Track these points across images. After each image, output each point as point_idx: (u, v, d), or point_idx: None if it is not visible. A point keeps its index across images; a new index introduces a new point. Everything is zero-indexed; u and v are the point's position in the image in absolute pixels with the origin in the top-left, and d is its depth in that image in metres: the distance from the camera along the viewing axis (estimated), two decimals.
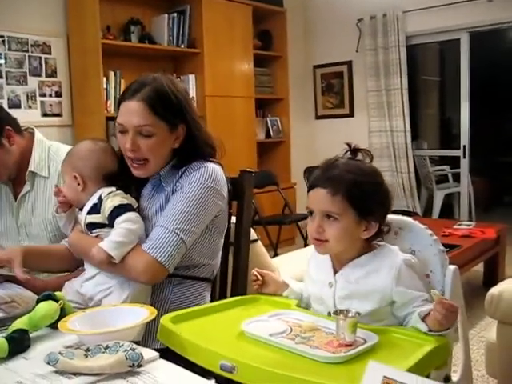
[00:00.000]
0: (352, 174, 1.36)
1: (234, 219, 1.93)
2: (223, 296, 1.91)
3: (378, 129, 7.13)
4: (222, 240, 1.85)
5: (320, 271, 1.48)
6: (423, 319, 1.28)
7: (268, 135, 7.35)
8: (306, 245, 5.94)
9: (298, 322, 1.33)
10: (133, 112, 1.66)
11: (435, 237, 1.52)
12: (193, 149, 1.74)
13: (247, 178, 1.91)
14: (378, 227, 1.41)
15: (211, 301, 1.83)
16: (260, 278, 1.55)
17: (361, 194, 1.36)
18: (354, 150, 1.44)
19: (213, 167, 1.72)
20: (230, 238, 1.93)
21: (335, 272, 1.44)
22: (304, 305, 1.56)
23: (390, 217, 1.52)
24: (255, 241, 2.36)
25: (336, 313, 1.21)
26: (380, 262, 1.38)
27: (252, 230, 2.09)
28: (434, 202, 7.54)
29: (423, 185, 7.85)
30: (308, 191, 1.42)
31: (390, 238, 1.55)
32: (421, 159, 7.69)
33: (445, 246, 1.55)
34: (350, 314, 1.21)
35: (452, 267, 1.49)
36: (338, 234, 1.36)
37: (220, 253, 1.87)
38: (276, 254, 5.67)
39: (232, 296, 1.79)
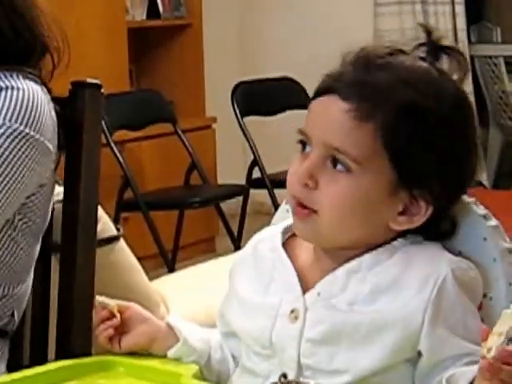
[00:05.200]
0: (412, 90, 1.06)
1: (60, 192, 1.53)
2: (40, 357, 1.50)
3: None
4: (38, 246, 1.49)
5: (265, 284, 1.15)
6: None
7: (153, 13, 4.73)
8: (238, 248, 3.98)
9: None
10: None
11: (493, 222, 1.15)
12: None
13: (88, 98, 1.49)
14: (431, 215, 1.07)
15: (10, 368, 1.47)
16: (116, 314, 1.20)
17: (417, 134, 1.06)
18: (436, 48, 1.12)
19: (28, 90, 1.40)
20: (54, 237, 1.54)
21: (304, 288, 1.11)
22: (214, 375, 1.21)
23: None
24: (112, 240, 1.82)
25: None
26: (404, 265, 1.08)
27: (107, 219, 1.78)
28: None
29: (493, 121, 5.32)
30: (312, 98, 1.12)
31: None
32: (488, 65, 5.21)
33: None
34: None
35: None
36: (345, 202, 1.07)
37: (31, 272, 1.51)
38: (172, 269, 3.87)
39: (58, 358, 1.40)
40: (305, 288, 1.13)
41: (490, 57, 5.25)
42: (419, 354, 1.07)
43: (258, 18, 5.31)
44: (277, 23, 5.14)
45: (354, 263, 1.11)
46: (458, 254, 1.16)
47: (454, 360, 1.05)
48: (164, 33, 4.82)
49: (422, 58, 1.14)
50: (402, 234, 1.13)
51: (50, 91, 1.48)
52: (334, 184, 1.08)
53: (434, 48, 1.15)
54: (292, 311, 1.13)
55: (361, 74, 1.10)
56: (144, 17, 4.68)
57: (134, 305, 1.29)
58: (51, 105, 1.46)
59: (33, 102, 1.43)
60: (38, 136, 1.41)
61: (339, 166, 1.08)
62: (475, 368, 0.98)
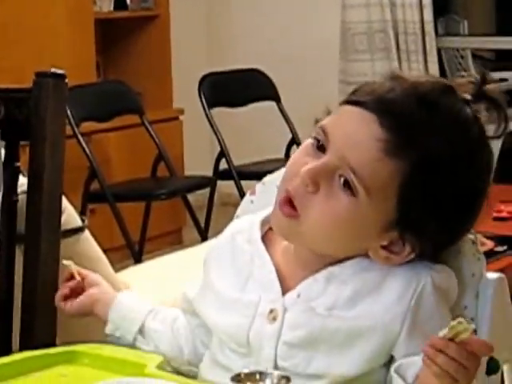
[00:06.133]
0: (449, 144, 1.02)
1: (24, 183, 1.53)
2: (5, 348, 1.50)
3: None
4: None
5: (243, 280, 1.13)
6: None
7: (121, 4, 4.72)
8: (205, 239, 4.05)
9: None
10: None
11: None
12: None
13: (52, 88, 1.49)
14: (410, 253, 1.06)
15: None
16: (76, 277, 1.25)
17: (437, 189, 1.04)
18: (483, 95, 1.06)
19: None
20: (18, 227, 1.53)
21: (284, 287, 1.10)
22: (179, 363, 1.21)
23: None
24: (77, 231, 1.79)
25: (239, 379, 0.96)
26: (385, 271, 1.07)
27: (72, 209, 1.75)
28: None
29: None
30: (350, 100, 1.06)
31: None
32: (455, 57, 5.30)
33: (499, 239, 1.52)
34: (267, 381, 0.96)
35: (494, 276, 1.19)
36: (335, 223, 1.04)
37: None
38: (138, 261, 3.83)
39: (22, 349, 1.43)
40: (284, 287, 1.12)
41: (458, 49, 5.20)
42: (392, 357, 1.07)
43: (225, 9, 5.27)
44: (244, 14, 5.09)
45: (335, 268, 1.10)
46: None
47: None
48: (131, 24, 4.76)
49: (466, 101, 1.10)
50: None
51: None
52: (333, 200, 1.05)
53: (482, 95, 1.11)
54: (271, 311, 1.12)
55: (408, 108, 1.06)
56: (111, 8, 4.63)
57: (94, 273, 1.31)
58: None
59: None
60: None
61: (346, 188, 1.05)
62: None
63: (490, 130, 1.14)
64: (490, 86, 1.10)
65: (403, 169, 1.03)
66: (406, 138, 1.03)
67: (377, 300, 1.08)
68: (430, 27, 4.72)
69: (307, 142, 1.08)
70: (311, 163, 1.04)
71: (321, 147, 1.05)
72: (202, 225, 4.04)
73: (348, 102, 1.07)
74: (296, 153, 1.10)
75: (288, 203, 1.06)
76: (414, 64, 4.78)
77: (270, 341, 1.11)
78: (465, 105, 1.08)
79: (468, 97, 1.08)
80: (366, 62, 4.76)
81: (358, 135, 1.04)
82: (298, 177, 1.04)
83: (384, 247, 1.07)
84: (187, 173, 4.44)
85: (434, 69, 4.76)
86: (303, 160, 1.06)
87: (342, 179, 1.03)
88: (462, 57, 5.22)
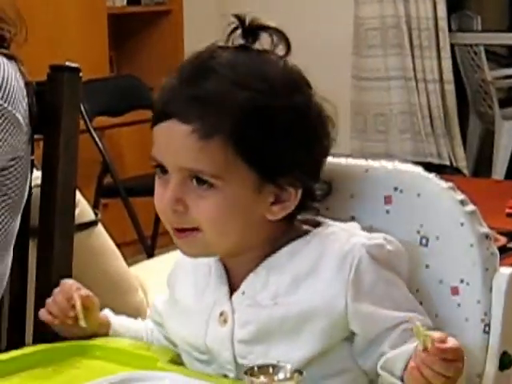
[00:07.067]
0: (246, 91, 1.05)
1: (38, 177, 1.52)
2: (18, 342, 1.49)
3: None
4: (17, 223, 1.46)
5: (201, 289, 1.15)
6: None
7: None
8: None
9: None
10: None
11: (470, 208, 1.16)
12: None
13: (66, 81, 1.49)
14: (303, 193, 1.09)
15: None
16: (78, 306, 1.19)
17: (265, 132, 1.06)
18: (251, 29, 1.10)
19: None
20: (32, 221, 1.53)
21: (232, 290, 1.12)
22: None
23: (372, 164, 1.22)
24: (90, 225, 1.82)
25: (251, 373, 0.96)
26: (319, 251, 1.08)
27: (85, 203, 1.78)
28: (496, 145, 4.91)
29: (473, 109, 5.13)
30: (153, 124, 1.10)
31: (378, 211, 1.20)
32: (468, 53, 5.05)
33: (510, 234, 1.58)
34: (280, 375, 0.97)
35: (507, 271, 1.15)
36: (218, 214, 1.06)
37: (11, 250, 1.47)
38: (151, 256, 3.91)
39: (36, 342, 1.39)
40: (233, 287, 1.14)
41: (471, 45, 5.13)
42: (353, 333, 1.08)
43: (238, 3, 5.27)
44: (258, 9, 5.02)
45: (272, 259, 1.12)
46: (436, 239, 1.18)
47: (388, 331, 1.07)
48: (144, 19, 4.80)
49: (243, 47, 1.12)
50: (289, 219, 1.12)
51: (19, 67, 1.47)
52: (202, 201, 1.08)
53: (249, 30, 1.13)
54: (221, 314, 1.13)
55: (190, 90, 1.09)
56: (124, 3, 4.65)
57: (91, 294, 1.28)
58: (21, 80, 1.45)
59: (4, 77, 1.41)
60: (7, 106, 1.39)
61: (204, 185, 1.08)
62: (409, 347, 1.01)
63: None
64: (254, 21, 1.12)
65: (226, 138, 1.06)
66: (206, 115, 1.05)
67: (316, 280, 1.09)
68: (443, 23, 4.67)
69: (156, 178, 1.13)
70: (166, 191, 1.08)
71: (164, 171, 1.09)
72: None
73: (153, 124, 1.12)
74: (155, 193, 1.14)
75: (179, 232, 1.10)
76: (427, 60, 4.70)
77: (226, 343, 1.12)
78: (237, 50, 1.10)
79: (241, 41, 1.10)
80: (379, 58, 4.72)
81: (175, 143, 1.07)
82: (167, 209, 1.08)
83: (273, 203, 1.09)
84: None
85: (448, 65, 4.69)
86: (162, 193, 1.10)
87: (194, 181, 1.07)
88: (476, 53, 5.11)
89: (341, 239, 1.10)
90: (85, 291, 1.24)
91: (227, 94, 1.06)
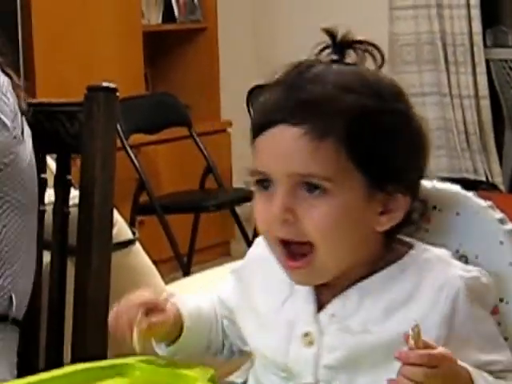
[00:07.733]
0: (353, 93, 1.02)
1: (75, 196, 1.54)
2: (56, 361, 1.50)
3: (411, 2, 4.61)
4: (31, 224, 1.47)
5: (279, 298, 1.10)
6: None
7: (169, 16, 4.73)
8: None
9: None
10: None
11: (510, 226, 1.15)
12: None
13: (103, 102, 1.49)
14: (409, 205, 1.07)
15: (26, 372, 1.40)
16: (135, 337, 1.10)
17: (375, 134, 1.02)
18: (342, 45, 1.08)
19: None
20: (70, 239, 1.52)
21: (320, 306, 1.07)
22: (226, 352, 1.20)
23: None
24: (128, 244, 1.80)
25: None
26: (415, 281, 1.05)
27: (123, 222, 1.77)
28: None
29: (508, 124, 5.46)
30: (255, 136, 1.05)
31: (417, 229, 1.15)
32: (504, 68, 5.41)
33: None
34: None
35: None
36: (332, 224, 1.01)
37: (31, 253, 1.49)
38: (187, 273, 3.93)
39: (74, 361, 1.41)
40: (319, 306, 1.11)
41: (506, 60, 5.09)
42: None
43: (273, 20, 5.28)
44: (292, 26, 5.09)
45: (366, 282, 1.09)
46: (475, 257, 1.16)
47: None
48: (179, 36, 4.79)
49: (334, 61, 1.11)
50: (389, 234, 1.09)
51: (8, 75, 1.44)
52: (314, 210, 1.04)
53: (341, 45, 1.12)
54: (306, 334, 1.10)
55: (298, 95, 1.06)
56: (159, 21, 4.65)
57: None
58: (9, 87, 1.42)
59: None
60: None
61: (315, 192, 1.04)
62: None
63: None
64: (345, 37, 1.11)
65: (338, 139, 1.03)
66: (317, 116, 1.03)
67: (410, 310, 1.07)
68: (478, 39, 4.65)
69: (255, 193, 1.09)
70: (273, 202, 1.04)
71: (266, 186, 1.06)
72: (251, 237, 4.02)
73: (254, 136, 1.08)
74: (255, 210, 1.10)
75: (290, 258, 1.06)
76: (463, 76, 4.72)
77: (309, 366, 1.09)
78: (330, 63, 1.09)
79: (334, 57, 1.09)
80: (414, 74, 4.68)
81: (285, 148, 1.04)
82: (275, 220, 1.04)
83: (382, 213, 1.07)
84: (235, 185, 4.46)
85: (483, 80, 4.70)
86: (267, 208, 1.06)
87: (307, 189, 1.04)
88: (511, 68, 5.07)
89: (437, 269, 1.09)
90: (155, 318, 1.14)
91: (336, 96, 1.05)
